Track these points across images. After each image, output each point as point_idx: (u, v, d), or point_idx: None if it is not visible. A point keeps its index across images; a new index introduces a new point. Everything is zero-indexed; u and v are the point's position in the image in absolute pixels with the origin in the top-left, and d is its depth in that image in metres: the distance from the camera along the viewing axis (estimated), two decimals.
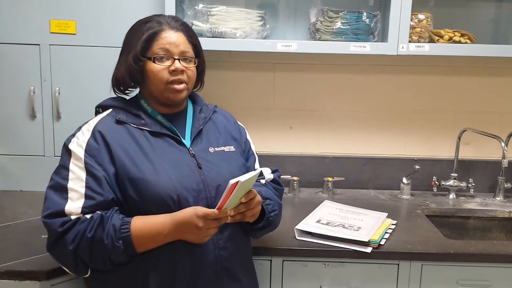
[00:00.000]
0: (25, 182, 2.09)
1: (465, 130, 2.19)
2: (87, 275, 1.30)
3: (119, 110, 1.41)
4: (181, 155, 1.38)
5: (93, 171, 1.27)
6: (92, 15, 1.97)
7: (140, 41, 1.36)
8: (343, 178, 2.22)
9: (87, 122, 1.39)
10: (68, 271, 1.31)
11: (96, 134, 1.33)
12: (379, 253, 1.59)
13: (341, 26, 1.95)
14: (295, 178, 2.19)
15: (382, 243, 1.62)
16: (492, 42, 2.16)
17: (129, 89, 1.46)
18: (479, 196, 2.22)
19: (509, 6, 2.19)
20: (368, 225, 1.72)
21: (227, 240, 1.36)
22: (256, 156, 1.61)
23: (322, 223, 1.72)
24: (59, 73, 2.01)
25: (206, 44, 1.83)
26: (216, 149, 1.45)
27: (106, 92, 2.05)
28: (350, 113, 2.29)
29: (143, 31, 1.37)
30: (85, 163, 1.28)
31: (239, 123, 1.63)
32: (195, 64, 1.42)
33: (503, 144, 1.99)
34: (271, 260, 1.64)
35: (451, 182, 2.19)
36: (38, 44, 1.98)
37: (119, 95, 1.47)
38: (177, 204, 1.29)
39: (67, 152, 1.32)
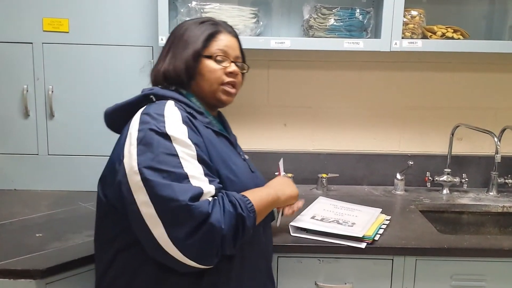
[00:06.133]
0: (19, 181, 2.08)
1: (458, 126, 2.20)
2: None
3: (182, 104, 1.29)
4: (239, 158, 1.38)
5: (204, 158, 1.19)
6: (85, 14, 1.97)
7: (200, 38, 1.34)
8: (338, 175, 2.23)
9: (160, 109, 1.21)
10: (195, 264, 1.13)
11: (188, 122, 1.22)
12: (374, 249, 1.60)
13: (334, 23, 1.96)
14: (290, 174, 2.20)
15: (376, 238, 1.63)
16: (485, 38, 2.17)
17: (175, 85, 1.35)
18: (472, 191, 2.23)
19: (502, 2, 2.20)
20: (362, 221, 1.73)
21: (270, 241, 1.48)
22: None
23: (317, 219, 1.73)
24: (52, 72, 2.00)
25: None
26: (246, 156, 1.47)
27: (100, 91, 2.05)
28: (344, 109, 2.29)
29: (201, 29, 1.36)
30: (196, 150, 1.18)
31: None
32: (243, 70, 1.42)
33: (496, 139, 2.00)
34: None
35: (444, 178, 2.20)
36: (31, 43, 1.97)
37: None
38: None
39: (166, 139, 1.15)
